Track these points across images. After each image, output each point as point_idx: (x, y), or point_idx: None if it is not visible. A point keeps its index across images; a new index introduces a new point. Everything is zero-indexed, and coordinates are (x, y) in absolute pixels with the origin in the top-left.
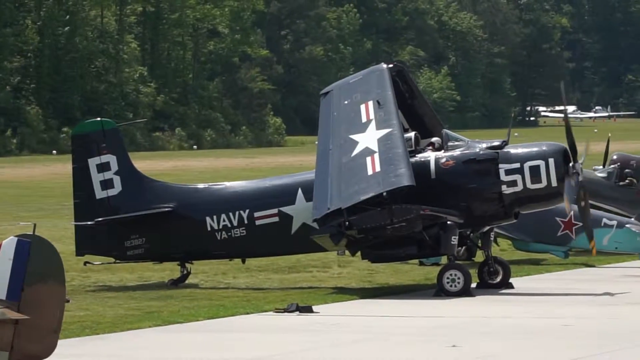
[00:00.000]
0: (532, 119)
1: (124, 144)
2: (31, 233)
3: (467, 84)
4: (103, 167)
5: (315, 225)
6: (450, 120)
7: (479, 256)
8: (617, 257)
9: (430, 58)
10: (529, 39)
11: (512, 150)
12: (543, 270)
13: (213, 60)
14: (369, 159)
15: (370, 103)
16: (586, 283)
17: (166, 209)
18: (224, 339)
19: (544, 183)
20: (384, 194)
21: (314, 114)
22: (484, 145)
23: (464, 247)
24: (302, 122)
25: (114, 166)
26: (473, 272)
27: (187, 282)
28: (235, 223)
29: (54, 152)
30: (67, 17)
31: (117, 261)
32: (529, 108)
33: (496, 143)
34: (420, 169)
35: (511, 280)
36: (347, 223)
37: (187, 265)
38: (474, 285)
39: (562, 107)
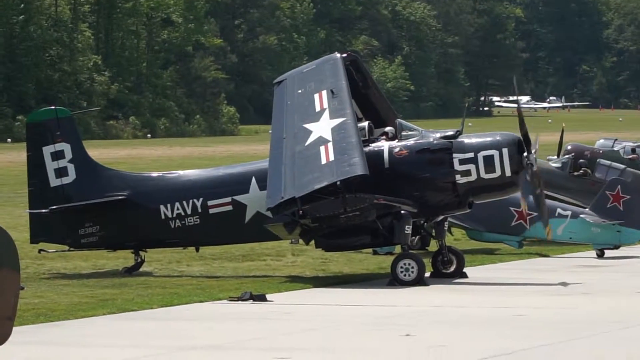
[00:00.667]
0: (486, 109)
1: (78, 133)
2: None
3: (421, 74)
4: (57, 155)
5: (269, 214)
6: (404, 110)
7: (433, 245)
8: (571, 247)
9: (384, 48)
10: (483, 29)
11: (466, 140)
12: (497, 260)
13: (167, 49)
14: (322, 148)
15: (324, 92)
16: (540, 273)
17: (120, 197)
18: (178, 327)
19: (498, 173)
20: (338, 183)
21: (267, 103)
22: (438, 135)
23: (417, 237)
24: (256, 111)
25: (68, 154)
26: (427, 261)
27: (141, 270)
28: (189, 211)
29: (9, 140)
30: (22, 5)
31: (71, 249)
32: (482, 98)
33: (450, 133)
34: (374, 159)
35: (465, 269)
36: (300, 212)
37: (141, 253)
38: (427, 274)
39: (515, 98)
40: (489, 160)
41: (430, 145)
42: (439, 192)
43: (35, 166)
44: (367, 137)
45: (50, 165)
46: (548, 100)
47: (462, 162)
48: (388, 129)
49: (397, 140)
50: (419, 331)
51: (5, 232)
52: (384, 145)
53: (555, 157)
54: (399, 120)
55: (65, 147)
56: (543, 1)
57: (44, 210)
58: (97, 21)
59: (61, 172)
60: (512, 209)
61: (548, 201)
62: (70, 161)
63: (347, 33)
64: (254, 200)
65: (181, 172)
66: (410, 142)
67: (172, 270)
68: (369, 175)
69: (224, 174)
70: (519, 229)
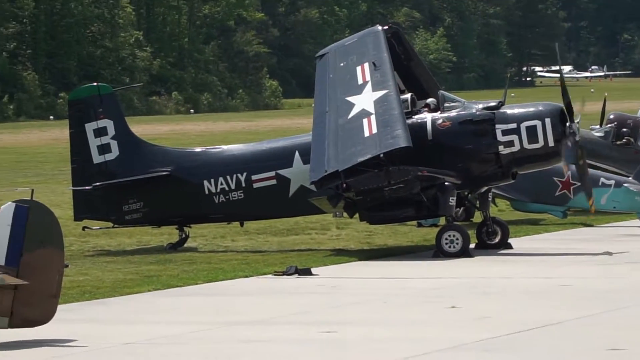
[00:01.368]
0: (528, 79)
1: (120, 109)
2: (29, 199)
3: (463, 45)
4: (100, 132)
5: (313, 187)
6: (447, 81)
7: (477, 217)
8: (615, 216)
9: (426, 19)
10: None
11: (509, 110)
12: (541, 230)
13: (208, 24)
14: (365, 121)
15: (366, 65)
16: (585, 243)
17: (164, 173)
18: (223, 302)
19: (541, 143)
20: (381, 155)
21: (310, 76)
22: (481, 106)
23: (462, 208)
24: (298, 84)
25: (111, 131)
26: (471, 232)
27: (185, 245)
28: (233, 186)
29: (51, 117)
30: None
31: (116, 226)
32: (525, 68)
33: (493, 104)
34: (417, 131)
35: (510, 240)
36: (344, 185)
37: (186, 229)
38: (472, 246)
39: (558, 67)
40: (531, 131)
41: (473, 116)
42: (483, 163)
43: (78, 143)
44: (409, 109)
45: (93, 142)
46: (590, 69)
47: (505, 132)
48: (430, 100)
49: (439, 112)
50: (464, 303)
51: (49, 210)
52: (426, 117)
53: (598, 126)
54: (442, 91)
55: (108, 124)
56: None
57: (87, 188)
58: None
59: (104, 149)
60: (555, 179)
61: (591, 170)
62: (113, 138)
63: (388, 5)
64: (298, 174)
65: (225, 147)
66: (453, 113)
67: (216, 246)
68: (412, 147)
69: (268, 148)
70: (563, 198)
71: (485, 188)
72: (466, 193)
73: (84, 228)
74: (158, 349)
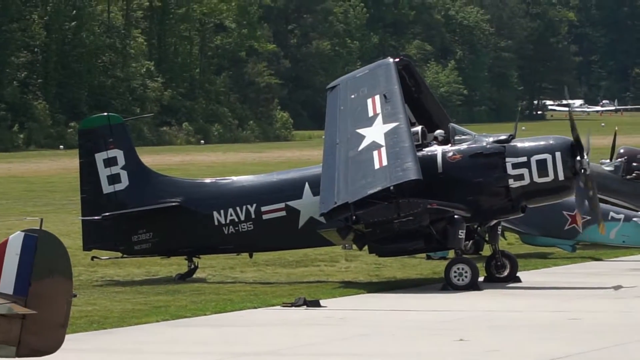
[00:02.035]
0: (539, 112)
1: (131, 139)
2: (38, 228)
3: (474, 78)
4: (110, 162)
5: (322, 219)
6: (458, 114)
7: (487, 250)
8: (624, 250)
9: (437, 52)
10: (536, 33)
11: (519, 144)
12: (550, 264)
13: (220, 55)
14: (375, 153)
15: (377, 97)
16: (594, 277)
17: (173, 204)
18: (231, 333)
19: (551, 177)
20: (391, 188)
21: (321, 108)
22: (491, 139)
23: (471, 241)
24: (309, 116)
25: (121, 161)
26: (480, 266)
27: (194, 276)
28: (242, 217)
29: (61, 147)
30: (74, 12)
31: (125, 256)
32: (536, 102)
33: (503, 137)
34: (428, 163)
35: (518, 274)
36: (354, 217)
37: (195, 259)
38: (481, 279)
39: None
40: (542, 165)
41: (484, 149)
42: (492, 196)
43: (88, 173)
44: (420, 142)
45: (103, 172)
46: (601, 103)
47: (515, 166)
48: (437, 132)
49: (450, 145)
50: (472, 336)
51: (58, 240)
52: (437, 149)
53: (608, 160)
54: (452, 124)
55: (118, 154)
56: (595, 5)
57: (96, 217)
58: (150, 27)
59: (114, 179)
60: (565, 212)
61: (601, 204)
62: (123, 168)
63: (400, 38)
64: (308, 205)
65: (235, 178)
66: (464, 146)
67: (225, 277)
68: (423, 180)
69: (278, 179)
70: (572, 232)
71: (494, 221)
72: (475, 226)
73: (92, 258)
74: None
